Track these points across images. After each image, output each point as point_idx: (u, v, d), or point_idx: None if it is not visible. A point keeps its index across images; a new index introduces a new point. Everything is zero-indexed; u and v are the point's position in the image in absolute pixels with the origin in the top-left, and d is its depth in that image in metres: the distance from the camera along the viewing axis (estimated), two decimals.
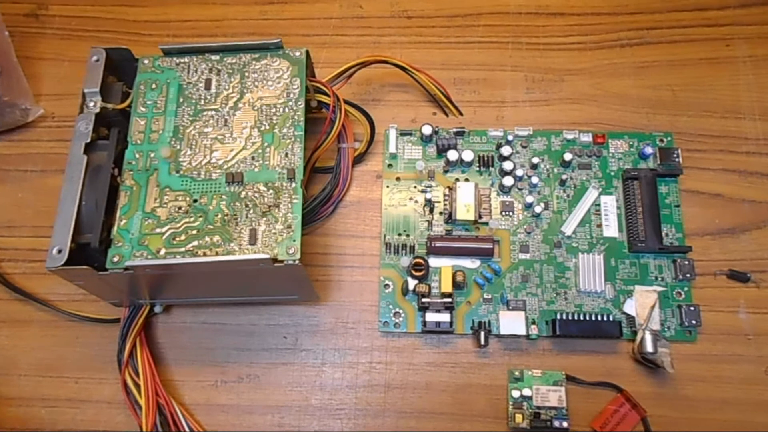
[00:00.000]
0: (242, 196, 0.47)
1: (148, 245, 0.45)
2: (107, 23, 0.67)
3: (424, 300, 0.53)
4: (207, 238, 0.45)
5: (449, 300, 0.53)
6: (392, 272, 0.56)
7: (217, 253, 0.45)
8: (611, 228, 0.56)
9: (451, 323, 0.53)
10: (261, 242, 0.45)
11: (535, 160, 0.57)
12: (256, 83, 0.51)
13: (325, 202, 0.57)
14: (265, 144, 0.49)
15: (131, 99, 0.51)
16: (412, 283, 0.55)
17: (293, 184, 0.47)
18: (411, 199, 0.58)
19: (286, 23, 0.66)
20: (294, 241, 0.45)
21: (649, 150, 0.57)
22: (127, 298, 0.52)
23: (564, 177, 0.57)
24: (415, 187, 0.58)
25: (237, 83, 0.51)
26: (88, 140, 0.48)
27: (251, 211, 0.46)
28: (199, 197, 0.47)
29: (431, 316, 0.53)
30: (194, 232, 0.46)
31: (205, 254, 0.45)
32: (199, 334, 0.55)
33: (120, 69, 0.53)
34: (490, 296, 0.55)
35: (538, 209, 0.56)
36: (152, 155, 0.49)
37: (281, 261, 0.44)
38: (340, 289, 0.56)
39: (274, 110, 0.50)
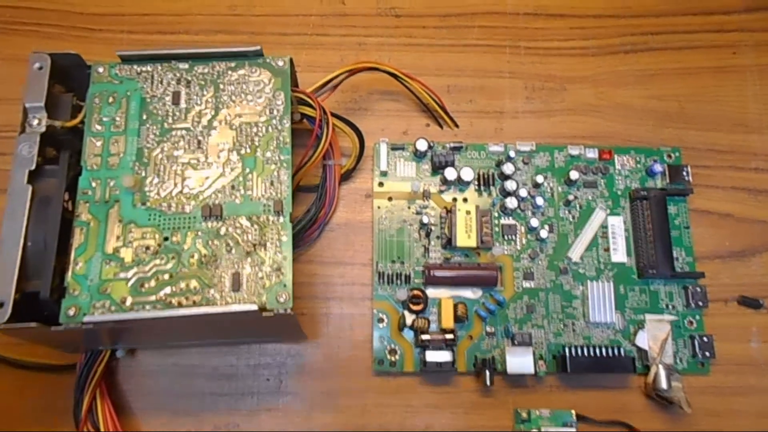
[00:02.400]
0: (222, 233, 0.40)
1: (111, 294, 0.39)
2: (50, 15, 0.58)
3: (423, 337, 0.48)
4: (182, 284, 0.39)
5: (451, 336, 0.48)
6: (386, 304, 0.51)
7: (194, 303, 0.38)
8: (619, 252, 0.52)
9: (453, 362, 0.48)
10: (246, 288, 0.39)
11: (539, 178, 0.53)
12: (233, 97, 0.44)
13: (309, 226, 0.51)
14: (247, 170, 0.42)
15: (83, 114, 0.44)
16: (409, 317, 0.50)
17: (281, 219, 0.41)
18: (405, 221, 0.53)
19: (259, 20, 0.58)
20: (285, 286, 0.39)
21: (658, 168, 0.53)
22: (82, 347, 0.45)
23: (570, 198, 0.53)
24: (409, 207, 0.53)
25: (211, 97, 0.44)
26: (33, 167, 0.40)
27: (233, 251, 0.40)
28: (171, 235, 0.40)
29: (432, 355, 0.48)
30: (166, 276, 0.39)
31: (180, 304, 0.38)
32: (170, 378, 0.49)
33: (68, 77, 0.45)
34: (493, 329, 0.50)
35: (543, 233, 0.51)
36: (112, 183, 0.41)
37: (270, 310, 0.38)
38: (328, 323, 0.51)
39: (255, 130, 0.43)
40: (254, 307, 0.37)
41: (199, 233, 0.40)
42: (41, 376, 0.48)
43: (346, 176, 0.54)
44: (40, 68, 0.43)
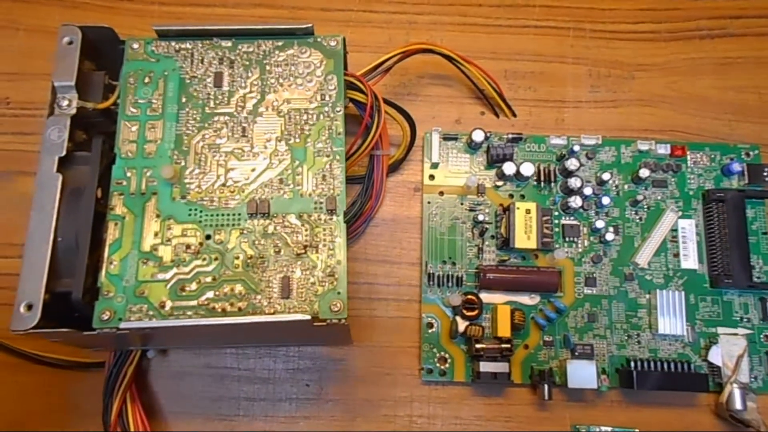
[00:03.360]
0: (269, 231, 0.37)
1: (148, 297, 0.35)
2: None
3: (478, 346, 0.44)
4: (225, 288, 0.35)
5: (507, 346, 0.45)
6: (436, 308, 0.47)
7: (239, 310, 0.35)
8: (690, 258, 0.48)
9: (509, 374, 0.44)
10: (296, 294, 0.35)
11: (605, 176, 0.48)
12: (281, 80, 0.40)
13: (355, 220, 0.47)
14: (296, 162, 0.38)
15: (117, 95, 0.40)
16: (462, 324, 0.46)
17: (334, 218, 0.37)
18: (457, 219, 0.48)
19: None
20: (339, 293, 0.35)
21: (736, 167, 0.49)
22: (111, 347, 0.41)
23: (639, 198, 0.48)
24: (461, 203, 0.49)
25: (256, 79, 0.40)
26: (63, 153, 0.36)
27: (282, 253, 0.36)
28: (213, 233, 0.36)
29: (486, 366, 0.44)
30: (208, 279, 0.35)
31: (224, 310, 0.35)
32: (203, 381, 0.46)
33: (100, 53, 0.41)
34: (551, 338, 0.46)
35: (609, 236, 0.47)
36: (148, 174, 0.38)
37: (324, 320, 0.35)
38: (373, 326, 0.47)
39: (305, 117, 0.39)
40: (307, 317, 0.33)
41: (245, 231, 0.36)
42: (66, 373, 0.45)
43: (394, 167, 0.50)
44: (71, 43, 0.39)
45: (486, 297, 0.47)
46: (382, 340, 0.47)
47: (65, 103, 0.38)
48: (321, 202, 0.37)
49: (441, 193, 0.49)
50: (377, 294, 0.48)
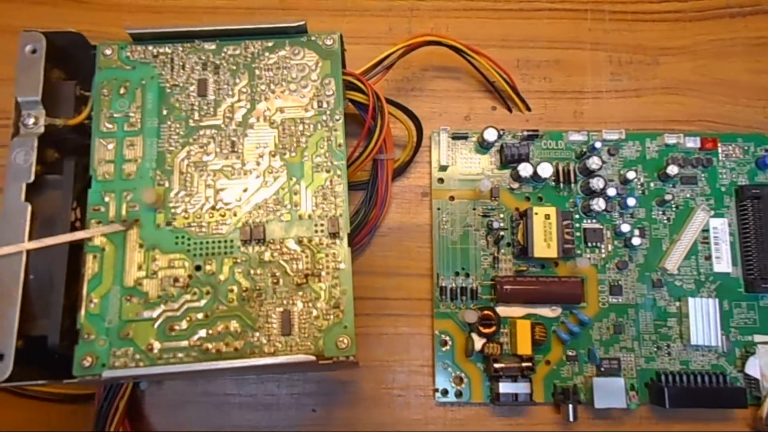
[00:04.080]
0: (266, 259, 0.33)
1: (134, 339, 0.31)
2: None
3: (497, 366, 0.41)
4: (219, 326, 0.32)
5: (528, 364, 0.41)
6: (450, 324, 0.43)
7: (235, 350, 0.31)
8: (723, 261, 0.44)
9: (530, 394, 0.41)
10: (298, 330, 0.32)
11: (630, 174, 0.44)
12: (273, 86, 0.36)
13: (359, 230, 0.44)
14: (293, 180, 0.34)
15: (90, 108, 0.35)
16: (478, 341, 0.42)
17: (338, 242, 0.33)
18: (469, 226, 0.45)
19: None
20: (345, 328, 0.32)
21: None
22: (101, 385, 0.38)
23: (667, 197, 0.44)
24: (474, 209, 0.45)
25: (245, 86, 0.36)
26: (31, 179, 0.32)
27: (280, 283, 0.32)
28: (204, 263, 0.33)
29: (506, 387, 0.41)
30: (200, 316, 0.32)
31: (218, 351, 0.31)
32: (201, 409, 0.43)
33: (69, 58, 0.37)
34: (574, 353, 0.43)
35: (636, 241, 0.43)
36: (129, 198, 0.34)
37: (329, 358, 0.31)
38: (381, 344, 0.44)
39: (301, 128, 0.35)
40: (311, 358, 0.30)
41: (239, 261, 0.33)
42: (53, 407, 0.42)
43: (400, 171, 0.46)
44: (34, 51, 0.34)
45: (503, 310, 0.43)
46: (393, 359, 0.44)
47: (31, 121, 0.33)
48: (322, 225, 0.33)
49: (451, 198, 0.45)
50: (386, 309, 0.44)
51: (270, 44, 0.36)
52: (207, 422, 0.42)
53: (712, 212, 0.45)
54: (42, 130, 0.33)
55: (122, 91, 0.35)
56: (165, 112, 0.35)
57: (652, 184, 0.45)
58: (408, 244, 0.45)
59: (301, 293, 0.32)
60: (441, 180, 0.46)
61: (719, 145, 0.46)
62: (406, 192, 0.46)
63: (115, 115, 0.35)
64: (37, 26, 0.46)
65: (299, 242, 0.33)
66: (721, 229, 0.45)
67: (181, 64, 0.36)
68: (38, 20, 0.47)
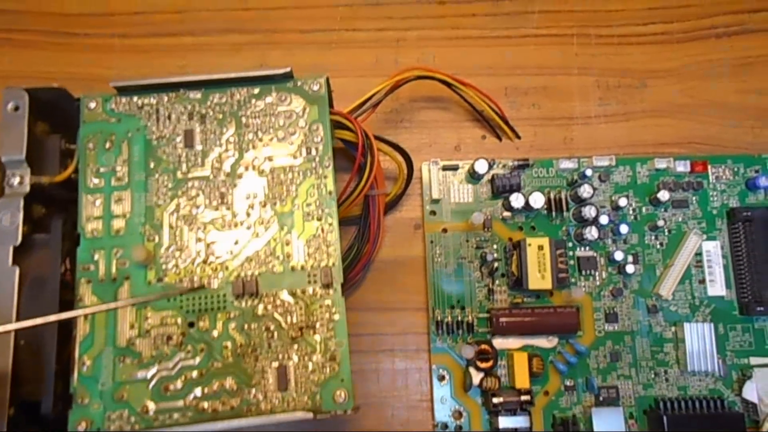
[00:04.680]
0: (260, 313, 0.33)
1: (129, 400, 0.31)
2: (21, 19, 0.48)
3: (495, 401, 0.41)
4: (215, 384, 0.31)
5: (527, 398, 0.41)
6: (447, 359, 0.43)
7: (232, 409, 0.31)
8: (717, 284, 0.45)
9: (530, 428, 0.41)
10: (294, 384, 0.31)
11: (622, 201, 0.44)
12: (260, 134, 0.35)
13: (353, 266, 0.43)
14: (284, 230, 0.34)
15: (76, 163, 0.35)
16: (476, 375, 0.42)
17: (332, 291, 0.33)
18: (463, 258, 0.45)
19: (276, 14, 0.49)
20: (342, 381, 0.31)
21: (763, 181, 0.45)
22: None
23: (659, 223, 0.44)
24: (467, 241, 0.45)
25: (232, 135, 0.35)
26: (18, 242, 0.32)
27: (275, 337, 0.32)
28: (197, 319, 0.32)
29: (506, 421, 0.41)
30: (194, 374, 0.32)
31: (215, 411, 0.31)
32: None
33: (53, 111, 0.36)
34: (572, 383, 0.43)
35: (630, 268, 0.43)
36: (118, 254, 0.33)
37: (327, 412, 0.31)
38: (379, 380, 0.44)
39: (291, 176, 0.35)
40: (309, 416, 0.30)
41: (232, 316, 0.32)
42: None
43: (392, 204, 0.46)
44: (17, 109, 0.34)
45: (500, 343, 0.43)
46: (391, 395, 0.44)
47: (16, 180, 0.33)
48: (315, 275, 0.33)
49: (444, 231, 0.45)
50: (381, 345, 0.44)
51: (256, 91, 0.36)
52: None
53: (705, 236, 0.45)
54: (27, 189, 0.33)
55: (108, 145, 0.35)
56: (152, 165, 0.35)
57: (643, 209, 0.45)
58: (402, 278, 0.45)
59: (296, 346, 0.32)
60: (433, 212, 0.45)
61: (709, 167, 0.46)
62: (398, 225, 0.46)
63: (101, 170, 0.34)
64: (23, 70, 0.46)
65: (293, 294, 0.33)
66: (714, 252, 0.45)
67: (166, 114, 0.35)
68: (24, 64, 0.47)
